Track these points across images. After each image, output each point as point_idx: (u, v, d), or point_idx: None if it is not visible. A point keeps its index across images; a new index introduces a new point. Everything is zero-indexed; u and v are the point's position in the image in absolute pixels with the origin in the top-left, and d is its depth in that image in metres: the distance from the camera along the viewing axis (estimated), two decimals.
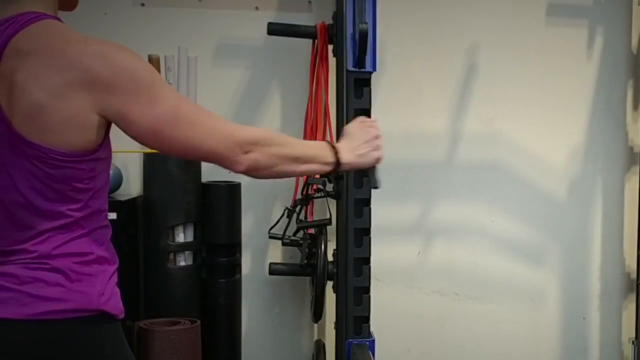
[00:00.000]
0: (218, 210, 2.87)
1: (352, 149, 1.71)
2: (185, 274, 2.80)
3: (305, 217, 2.92)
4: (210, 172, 2.91)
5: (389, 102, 3.13)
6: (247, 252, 3.08)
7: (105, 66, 1.40)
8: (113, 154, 1.54)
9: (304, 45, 2.98)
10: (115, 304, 1.51)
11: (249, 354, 3.08)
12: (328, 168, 1.68)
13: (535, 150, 3.32)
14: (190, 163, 2.79)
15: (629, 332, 3.39)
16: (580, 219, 3.39)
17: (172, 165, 2.76)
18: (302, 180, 2.88)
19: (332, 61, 2.86)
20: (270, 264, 2.97)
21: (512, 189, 3.32)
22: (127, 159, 2.91)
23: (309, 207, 2.94)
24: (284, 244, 2.93)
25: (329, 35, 2.86)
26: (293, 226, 2.86)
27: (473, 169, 3.28)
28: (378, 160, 1.75)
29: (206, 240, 2.87)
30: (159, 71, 2.78)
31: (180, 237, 2.80)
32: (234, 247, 2.93)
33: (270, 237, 2.92)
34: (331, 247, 2.86)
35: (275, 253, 3.14)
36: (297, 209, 2.85)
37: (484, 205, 3.30)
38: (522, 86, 3.29)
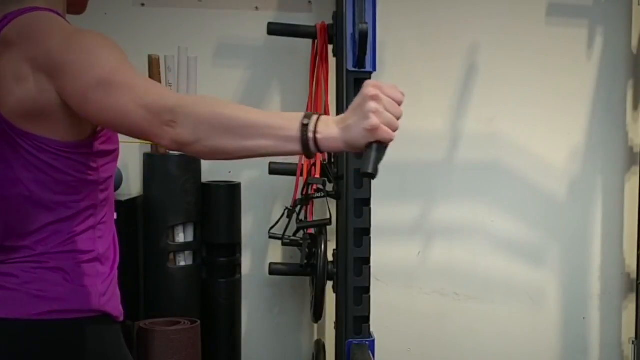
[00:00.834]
0: (218, 210, 2.87)
1: (339, 120, 1.23)
2: (185, 274, 2.81)
3: (305, 217, 2.92)
4: (210, 172, 2.92)
5: None
6: (247, 252, 3.08)
7: (59, 49, 1.36)
8: None
9: (304, 45, 2.98)
10: (115, 306, 1.50)
11: (249, 354, 3.08)
12: (294, 146, 1.22)
13: (535, 150, 3.32)
14: (191, 163, 2.79)
15: (629, 332, 3.38)
16: (580, 219, 3.39)
17: (172, 165, 2.76)
18: (302, 180, 2.88)
19: (332, 61, 2.86)
20: (270, 264, 2.97)
21: (512, 189, 3.31)
22: (127, 159, 2.91)
23: (309, 207, 2.94)
24: (284, 244, 2.93)
25: (329, 35, 2.86)
26: (293, 226, 2.86)
27: (473, 169, 3.28)
28: (370, 131, 1.19)
29: (206, 240, 2.87)
30: (159, 71, 2.78)
31: (180, 237, 2.80)
32: (234, 247, 2.93)
33: (270, 237, 2.92)
34: (331, 247, 2.86)
35: (275, 253, 3.14)
36: (297, 209, 2.84)
37: (484, 205, 3.30)
38: (522, 86, 3.29)
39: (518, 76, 3.28)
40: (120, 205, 2.58)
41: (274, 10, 3.09)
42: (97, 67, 1.31)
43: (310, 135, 1.20)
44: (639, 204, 3.31)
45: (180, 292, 2.78)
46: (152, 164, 2.81)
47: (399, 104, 1.24)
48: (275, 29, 2.91)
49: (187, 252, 2.82)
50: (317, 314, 2.85)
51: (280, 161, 2.86)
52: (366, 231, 2.74)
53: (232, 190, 2.92)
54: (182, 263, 2.81)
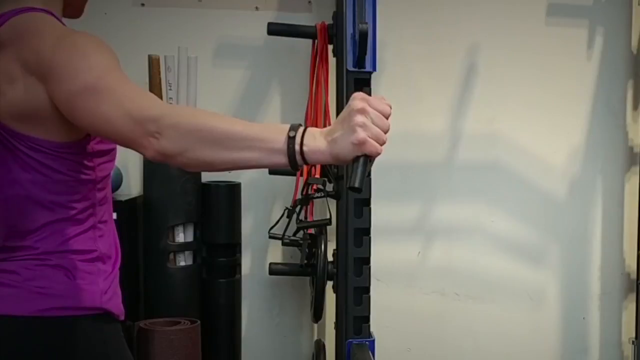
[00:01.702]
0: (218, 210, 2.87)
1: (327, 132, 1.21)
2: (185, 274, 2.80)
3: (305, 217, 2.92)
4: (210, 172, 2.91)
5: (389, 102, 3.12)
6: (247, 252, 3.08)
7: (50, 52, 1.35)
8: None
9: (304, 45, 2.98)
10: (116, 305, 1.51)
11: (249, 354, 3.08)
12: (279, 159, 1.21)
13: (535, 150, 3.32)
14: None
15: (629, 332, 3.38)
16: (580, 219, 3.39)
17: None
18: (302, 180, 2.88)
19: (332, 61, 2.86)
20: (270, 264, 2.97)
21: (512, 189, 3.31)
22: (127, 159, 2.91)
23: (309, 207, 2.94)
24: (284, 244, 2.93)
25: (329, 35, 2.86)
26: (293, 226, 2.86)
27: (473, 169, 3.28)
28: (357, 145, 1.18)
29: (206, 240, 2.87)
30: (159, 71, 2.78)
31: (180, 237, 2.80)
32: (234, 247, 2.93)
33: (270, 237, 2.92)
34: (331, 247, 2.86)
35: (275, 253, 3.14)
36: (297, 209, 2.84)
37: (484, 205, 3.30)
38: (522, 86, 3.29)
39: (518, 76, 3.28)
40: (120, 205, 2.58)
41: (274, 10, 3.09)
42: (85, 72, 1.30)
43: (297, 147, 1.20)
44: (639, 204, 3.31)
45: (180, 292, 2.78)
46: (152, 164, 2.81)
47: (387, 117, 1.22)
48: (275, 29, 2.90)
49: (187, 252, 2.82)
50: (317, 314, 2.85)
51: None
52: (366, 231, 2.74)
53: (232, 190, 2.92)
54: (182, 263, 2.81)
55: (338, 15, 2.74)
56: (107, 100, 1.27)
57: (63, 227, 1.44)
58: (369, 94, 2.69)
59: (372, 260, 2.76)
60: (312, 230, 2.90)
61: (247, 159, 1.22)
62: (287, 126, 1.21)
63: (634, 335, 3.31)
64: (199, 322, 2.64)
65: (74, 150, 1.42)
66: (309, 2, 3.12)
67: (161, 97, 2.69)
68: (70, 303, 1.43)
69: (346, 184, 1.22)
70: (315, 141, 1.20)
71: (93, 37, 1.38)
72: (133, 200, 2.78)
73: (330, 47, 2.87)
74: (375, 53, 2.68)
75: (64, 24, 1.48)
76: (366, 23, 2.56)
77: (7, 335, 1.41)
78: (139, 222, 2.79)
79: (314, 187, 2.82)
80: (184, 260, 2.81)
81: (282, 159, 1.21)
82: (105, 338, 1.48)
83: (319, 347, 3.02)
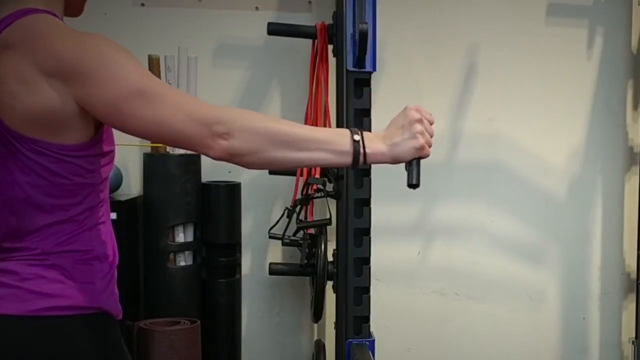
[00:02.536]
0: (218, 210, 2.87)
1: (385, 137, 1.43)
2: (185, 274, 2.81)
3: (305, 217, 2.92)
4: (210, 172, 2.92)
5: (389, 102, 3.12)
6: (247, 252, 3.08)
7: (74, 54, 1.36)
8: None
9: (304, 45, 2.98)
10: (114, 304, 1.51)
11: (249, 354, 3.08)
12: (345, 159, 1.39)
13: (535, 150, 3.32)
14: (191, 163, 2.79)
15: (629, 332, 3.38)
16: (580, 219, 3.39)
17: (172, 165, 2.76)
18: (302, 180, 2.88)
19: (332, 61, 2.86)
20: (270, 264, 2.97)
21: (512, 189, 3.31)
22: (127, 159, 2.91)
23: (309, 207, 2.94)
24: (284, 244, 2.93)
25: (329, 35, 2.86)
26: (293, 226, 2.86)
27: (473, 169, 3.28)
28: (418, 150, 1.44)
29: (206, 240, 2.87)
30: (159, 71, 2.78)
31: (180, 237, 2.80)
32: (234, 247, 2.93)
33: (270, 237, 2.92)
34: (331, 247, 2.86)
35: (275, 253, 3.14)
36: (297, 209, 2.84)
37: (484, 205, 3.30)
38: (522, 86, 3.29)
39: (518, 76, 3.28)
40: (120, 205, 2.58)
41: (274, 10, 3.10)
42: (125, 77, 1.34)
43: (361, 150, 1.39)
44: (639, 204, 3.31)
45: (180, 292, 2.78)
46: (152, 164, 2.81)
47: (432, 124, 1.48)
48: (275, 29, 2.91)
49: (187, 252, 2.82)
50: (317, 314, 2.85)
51: None
52: (366, 231, 2.74)
53: (232, 190, 2.92)
54: (182, 263, 2.81)
55: (338, 15, 2.74)
56: (162, 105, 1.34)
57: (61, 229, 1.44)
58: (369, 94, 2.71)
59: (372, 260, 2.76)
60: (312, 230, 2.90)
61: (316, 158, 1.38)
62: (347, 130, 1.40)
63: (634, 335, 3.31)
64: (199, 322, 2.64)
65: (78, 153, 1.42)
66: (309, 2, 3.12)
67: None
68: (67, 302, 1.43)
69: (408, 181, 1.50)
70: (374, 144, 1.41)
71: (109, 39, 1.40)
72: (133, 200, 2.78)
73: (330, 47, 2.88)
74: (375, 53, 2.68)
75: (65, 24, 1.48)
76: (366, 23, 2.57)
77: (4, 335, 1.41)
78: (139, 222, 2.79)
79: (314, 187, 2.82)
80: (184, 260, 2.81)
81: (348, 160, 1.39)
82: (103, 337, 1.48)
83: (319, 347, 3.02)
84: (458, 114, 3.26)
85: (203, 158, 2.81)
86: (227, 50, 3.09)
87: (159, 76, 2.77)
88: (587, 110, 3.36)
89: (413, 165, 1.48)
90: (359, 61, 2.65)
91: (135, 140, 1.75)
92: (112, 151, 1.52)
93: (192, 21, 3.05)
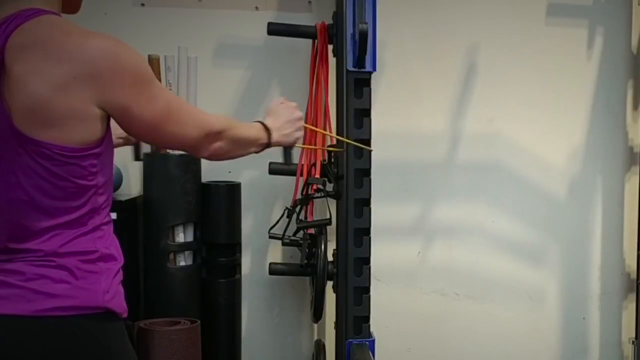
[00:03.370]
0: (218, 210, 2.87)
1: (278, 128, 1.83)
2: (185, 274, 2.80)
3: (305, 217, 2.92)
4: (210, 172, 2.92)
5: (389, 102, 3.13)
6: (247, 252, 3.08)
7: (108, 60, 1.40)
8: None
9: (304, 45, 2.98)
10: (119, 303, 1.52)
11: (249, 354, 3.08)
12: (261, 149, 1.81)
13: (535, 150, 3.32)
14: (190, 163, 2.79)
15: (629, 332, 3.39)
16: (580, 219, 3.39)
17: (172, 165, 2.76)
18: (302, 180, 2.88)
19: (332, 61, 2.86)
20: (270, 264, 2.97)
21: (512, 189, 3.32)
22: (127, 159, 2.90)
23: (309, 207, 2.94)
24: (284, 244, 2.92)
25: (329, 35, 2.86)
26: (293, 226, 2.86)
27: (473, 169, 3.28)
28: (298, 139, 1.91)
29: (206, 240, 2.87)
30: (159, 71, 2.78)
31: (180, 237, 2.80)
32: (234, 247, 2.93)
33: (270, 237, 2.92)
34: (331, 247, 2.86)
35: (275, 253, 3.14)
36: (297, 209, 2.84)
37: (484, 205, 3.30)
38: (522, 86, 3.29)
39: (518, 76, 3.28)
40: (120, 205, 2.58)
41: (274, 10, 3.09)
42: (160, 98, 1.51)
43: (269, 141, 1.81)
44: (639, 204, 3.31)
45: (180, 292, 2.78)
46: (152, 164, 2.81)
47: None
48: (275, 29, 2.91)
49: (187, 252, 2.82)
50: (317, 314, 2.85)
51: (281, 161, 2.85)
52: (366, 231, 2.74)
53: (232, 190, 2.92)
54: (182, 263, 2.81)
55: (338, 15, 2.74)
56: (183, 122, 1.56)
57: (64, 230, 1.45)
58: (369, 94, 2.71)
59: (372, 260, 2.76)
60: (312, 230, 2.90)
61: (250, 151, 1.79)
62: (261, 125, 1.80)
63: (634, 335, 3.31)
64: (199, 322, 2.64)
65: (83, 153, 1.42)
66: (309, 2, 3.12)
67: None
68: (73, 303, 1.43)
69: (287, 161, 1.99)
70: (275, 135, 1.82)
71: (130, 46, 1.47)
72: (133, 200, 2.78)
73: (330, 47, 2.88)
74: (375, 53, 2.68)
75: None
76: (366, 23, 2.57)
77: (10, 335, 1.42)
78: (139, 222, 2.79)
79: (314, 187, 2.82)
80: (184, 260, 2.81)
81: (261, 149, 1.81)
82: (108, 337, 1.49)
83: (319, 347, 3.02)
84: (458, 114, 3.26)
85: None
86: (227, 50, 3.09)
87: (159, 76, 2.78)
88: (587, 110, 3.36)
89: (290, 150, 1.96)
90: (359, 61, 2.65)
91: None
92: (112, 151, 1.52)
93: (192, 21, 3.05)
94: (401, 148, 3.19)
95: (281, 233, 2.88)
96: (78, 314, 1.44)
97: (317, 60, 2.91)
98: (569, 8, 3.31)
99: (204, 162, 2.86)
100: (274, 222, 2.94)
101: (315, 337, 3.19)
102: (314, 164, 2.84)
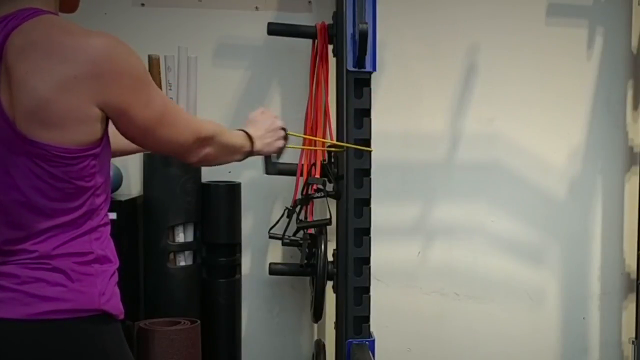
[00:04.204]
0: (218, 210, 2.87)
1: (260, 137, 1.86)
2: (185, 274, 2.80)
3: (305, 217, 2.92)
4: (210, 172, 2.91)
5: (389, 102, 3.13)
6: (247, 252, 3.08)
7: (109, 60, 1.40)
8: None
9: (304, 45, 2.98)
10: (115, 305, 1.51)
11: (249, 354, 3.08)
12: (244, 157, 1.84)
13: (535, 150, 3.32)
14: None
15: (629, 332, 3.38)
16: (580, 219, 3.39)
17: (172, 165, 2.76)
18: (302, 180, 2.88)
19: (332, 61, 2.86)
20: (270, 264, 2.97)
21: (512, 189, 3.31)
22: (127, 159, 2.90)
23: (309, 207, 2.94)
24: (284, 244, 2.92)
25: (329, 35, 2.86)
26: (293, 226, 2.86)
27: (473, 169, 3.28)
28: (279, 149, 1.94)
29: (206, 240, 2.87)
30: (159, 71, 2.78)
31: (180, 237, 2.80)
32: (234, 247, 2.93)
33: (270, 237, 2.92)
34: (331, 247, 2.86)
35: (275, 253, 3.14)
36: (297, 209, 2.84)
37: (484, 205, 3.30)
38: (522, 86, 3.29)
39: (518, 76, 3.28)
40: (120, 205, 2.58)
41: (274, 10, 3.09)
42: (157, 100, 1.51)
43: (252, 149, 1.84)
44: (639, 204, 3.31)
45: (180, 292, 2.78)
46: (152, 164, 2.81)
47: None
48: (275, 29, 2.91)
49: (187, 252, 2.82)
50: (317, 314, 2.85)
51: (281, 161, 2.85)
52: (366, 231, 2.74)
53: (232, 190, 2.92)
54: (182, 263, 2.81)
55: (338, 15, 2.74)
56: (177, 125, 1.57)
57: (61, 232, 1.44)
58: (369, 94, 2.71)
59: (372, 260, 2.76)
60: (312, 230, 2.90)
61: (235, 159, 1.82)
62: (245, 134, 1.82)
63: (634, 335, 3.31)
64: (199, 322, 2.64)
65: (82, 154, 1.42)
66: (309, 2, 3.12)
67: None
68: (68, 306, 1.42)
69: (268, 170, 2.08)
70: (258, 144, 1.85)
71: (130, 47, 1.46)
72: (133, 200, 2.78)
73: (330, 47, 2.87)
74: (375, 53, 2.68)
75: None
76: (366, 23, 2.57)
77: (5, 339, 1.41)
78: (139, 222, 2.79)
79: (314, 187, 2.82)
80: (184, 260, 2.81)
81: (245, 157, 1.85)
82: (105, 339, 1.48)
83: (319, 347, 3.02)
84: (458, 114, 3.26)
85: None
86: (227, 50, 3.09)
87: (159, 76, 2.78)
88: (587, 110, 3.36)
89: (271, 158, 2.01)
90: (359, 61, 2.65)
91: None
92: (110, 152, 1.52)
93: (192, 21, 3.05)
94: (401, 148, 3.19)
95: (281, 233, 2.88)
96: (74, 317, 1.43)
97: (317, 60, 2.90)
98: (569, 8, 3.31)
99: None
100: (274, 222, 2.94)
101: (315, 337, 3.19)
102: (314, 164, 2.84)
